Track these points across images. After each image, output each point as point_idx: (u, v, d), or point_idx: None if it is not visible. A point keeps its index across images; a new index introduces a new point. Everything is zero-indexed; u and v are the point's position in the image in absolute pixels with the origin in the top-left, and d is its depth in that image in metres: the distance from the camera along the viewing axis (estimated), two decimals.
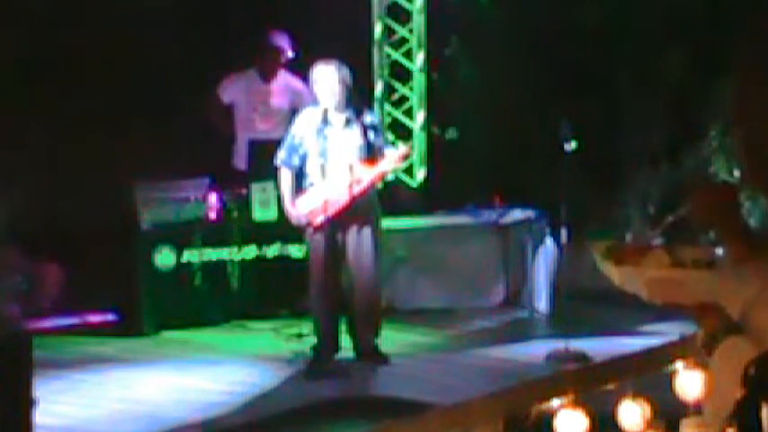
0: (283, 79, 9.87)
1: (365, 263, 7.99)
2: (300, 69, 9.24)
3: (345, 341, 8.16)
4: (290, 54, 9.81)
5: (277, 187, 8.47)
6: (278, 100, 9.88)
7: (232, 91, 9.91)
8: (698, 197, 1.97)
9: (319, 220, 7.90)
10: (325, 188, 7.89)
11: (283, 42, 9.82)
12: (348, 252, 7.98)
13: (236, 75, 9.93)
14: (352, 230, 7.96)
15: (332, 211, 7.86)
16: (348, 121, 7.96)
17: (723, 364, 1.68)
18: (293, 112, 9.69)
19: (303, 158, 8.00)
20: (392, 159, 8.03)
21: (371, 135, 7.98)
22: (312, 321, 8.14)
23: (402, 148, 8.48)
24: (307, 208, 7.94)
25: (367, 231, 7.97)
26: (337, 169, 7.90)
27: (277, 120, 9.76)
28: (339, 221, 7.90)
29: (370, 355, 8.11)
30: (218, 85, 9.89)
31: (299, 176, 8.06)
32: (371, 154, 7.96)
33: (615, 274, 2.15)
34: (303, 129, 8.01)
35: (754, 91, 1.61)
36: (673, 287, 2.02)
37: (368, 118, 8.05)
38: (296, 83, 9.70)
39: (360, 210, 7.93)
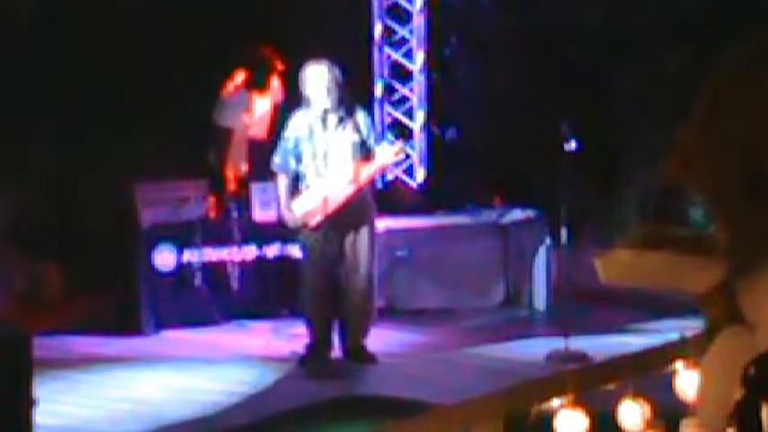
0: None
1: (360, 264, 7.99)
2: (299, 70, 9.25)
3: (334, 340, 8.17)
4: (280, 66, 9.87)
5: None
6: (263, 105, 9.99)
7: (227, 115, 9.98)
8: None
9: (315, 220, 7.89)
10: (321, 188, 7.89)
11: (273, 55, 9.90)
12: (343, 253, 7.97)
13: (226, 99, 9.99)
14: (348, 231, 7.95)
15: (328, 210, 7.85)
16: (341, 120, 7.95)
17: (719, 350, 1.67)
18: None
19: (298, 160, 7.99)
20: (387, 155, 8.02)
21: (364, 133, 7.97)
22: (306, 322, 8.14)
23: (396, 144, 8.46)
24: (302, 209, 7.94)
25: (362, 232, 7.97)
26: (332, 169, 7.90)
27: (263, 124, 9.91)
28: (334, 222, 7.88)
29: (357, 354, 8.10)
30: (213, 115, 9.95)
31: (295, 178, 8.05)
32: (365, 152, 7.95)
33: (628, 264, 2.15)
34: (296, 130, 8.00)
35: (731, 89, 1.60)
36: (678, 272, 2.02)
37: (359, 117, 8.04)
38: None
39: (355, 210, 7.92)
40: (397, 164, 10.05)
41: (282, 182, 8.09)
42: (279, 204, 8.35)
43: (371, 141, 8.01)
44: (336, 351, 8.13)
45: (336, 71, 7.92)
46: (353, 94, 8.32)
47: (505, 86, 11.20)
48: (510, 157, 10.96)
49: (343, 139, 7.93)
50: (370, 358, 8.11)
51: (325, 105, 7.89)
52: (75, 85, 10.04)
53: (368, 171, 7.96)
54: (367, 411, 7.08)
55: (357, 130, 7.95)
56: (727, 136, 1.58)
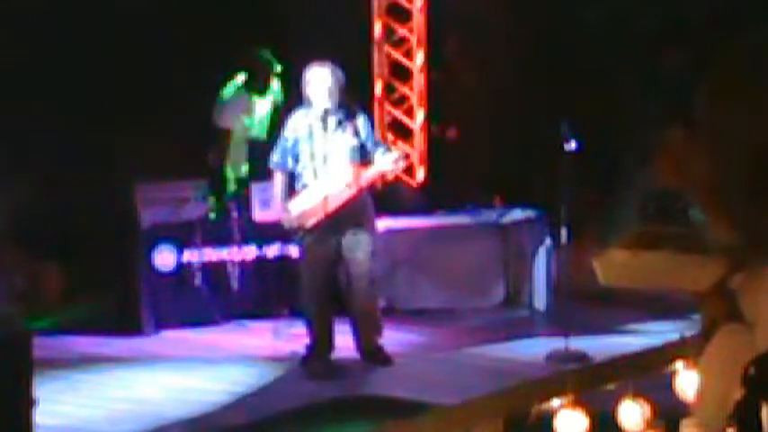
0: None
1: (360, 265, 7.98)
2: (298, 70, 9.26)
3: (347, 342, 8.16)
4: (278, 67, 9.93)
5: None
6: (262, 107, 10.02)
7: (227, 116, 10.00)
8: None
9: (311, 222, 7.88)
10: (319, 189, 7.88)
11: (272, 56, 9.97)
12: (343, 254, 7.97)
13: (226, 103, 10.03)
14: (346, 232, 7.94)
15: (324, 213, 7.84)
16: (340, 123, 7.95)
17: (718, 349, 1.67)
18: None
19: (296, 160, 7.99)
20: (386, 162, 8.00)
21: (363, 137, 7.97)
22: (305, 322, 8.13)
23: (395, 152, 8.42)
24: (298, 210, 7.93)
25: (360, 233, 7.96)
26: (330, 171, 7.89)
27: (263, 125, 9.94)
28: (332, 223, 7.87)
29: (374, 354, 8.11)
30: (213, 116, 9.98)
31: (292, 178, 8.05)
32: (363, 156, 7.94)
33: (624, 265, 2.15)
34: (295, 130, 8.00)
35: (731, 89, 1.60)
36: (675, 272, 2.02)
37: (359, 121, 8.03)
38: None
39: (353, 212, 7.90)
40: None
41: (278, 180, 8.08)
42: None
43: (370, 146, 8.00)
44: (338, 351, 8.12)
45: (339, 73, 7.92)
46: (355, 97, 8.32)
47: (505, 86, 11.19)
48: (510, 157, 10.95)
49: (341, 141, 7.92)
50: (387, 359, 8.11)
51: (325, 107, 7.89)
52: (75, 85, 10.04)
53: (367, 176, 7.95)
54: (367, 411, 7.08)
55: (356, 133, 7.94)
56: (727, 136, 1.58)
